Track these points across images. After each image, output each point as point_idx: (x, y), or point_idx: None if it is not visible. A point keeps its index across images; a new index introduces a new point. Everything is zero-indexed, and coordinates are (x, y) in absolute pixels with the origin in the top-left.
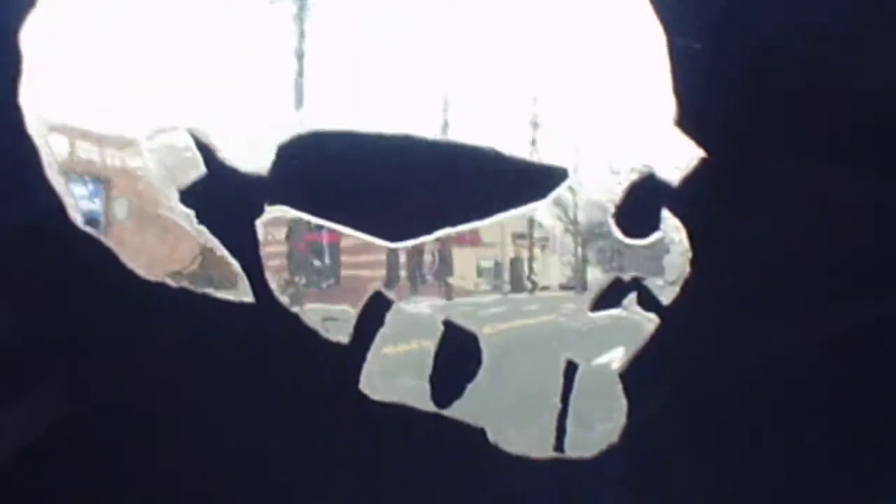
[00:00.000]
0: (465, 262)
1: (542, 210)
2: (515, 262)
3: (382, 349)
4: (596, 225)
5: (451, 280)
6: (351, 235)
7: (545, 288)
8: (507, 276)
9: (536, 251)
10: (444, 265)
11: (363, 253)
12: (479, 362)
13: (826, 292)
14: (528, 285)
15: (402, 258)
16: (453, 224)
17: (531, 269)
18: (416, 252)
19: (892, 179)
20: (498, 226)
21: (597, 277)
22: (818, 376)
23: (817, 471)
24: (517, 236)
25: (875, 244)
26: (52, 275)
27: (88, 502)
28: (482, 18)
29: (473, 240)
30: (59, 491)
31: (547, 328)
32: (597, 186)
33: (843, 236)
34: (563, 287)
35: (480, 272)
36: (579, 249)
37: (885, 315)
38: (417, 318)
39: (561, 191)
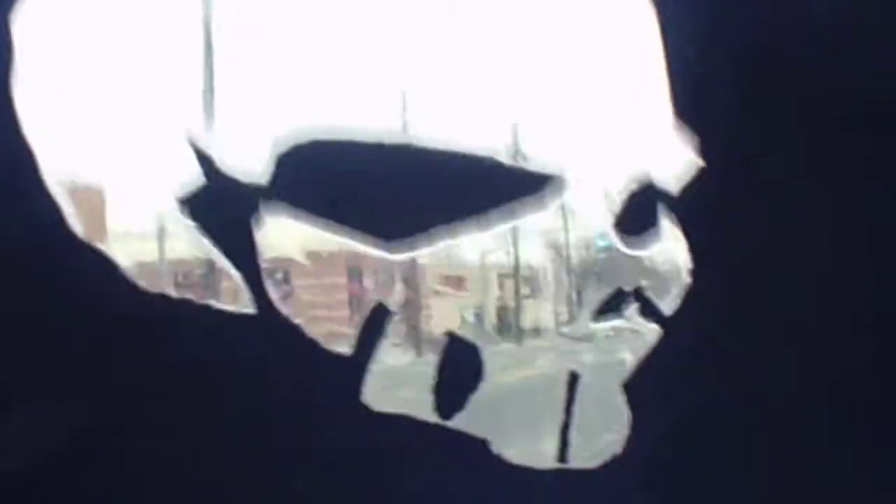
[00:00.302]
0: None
1: (541, 218)
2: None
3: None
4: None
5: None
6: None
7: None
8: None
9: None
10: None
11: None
12: (480, 375)
13: (827, 298)
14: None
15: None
16: (452, 233)
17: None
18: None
19: (892, 183)
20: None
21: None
22: (820, 383)
23: (820, 477)
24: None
25: (875, 248)
26: (51, 284)
27: None
28: (480, 25)
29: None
30: (60, 495)
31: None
32: (596, 197)
33: (844, 242)
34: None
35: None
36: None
37: (886, 318)
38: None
39: (560, 201)
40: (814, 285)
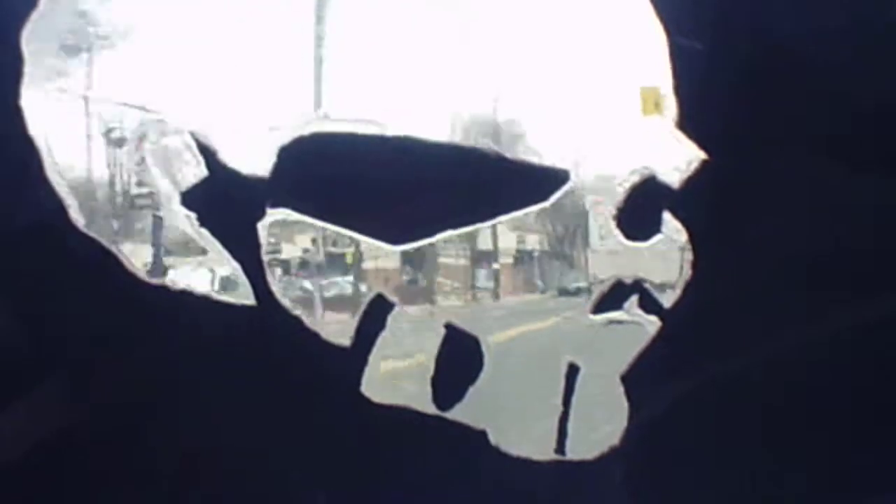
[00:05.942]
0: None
1: (543, 213)
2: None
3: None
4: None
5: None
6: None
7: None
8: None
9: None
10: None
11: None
12: (480, 365)
13: (827, 293)
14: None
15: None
16: (454, 226)
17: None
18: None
19: (893, 179)
20: (500, 230)
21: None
22: (818, 377)
23: (817, 471)
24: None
25: (876, 244)
26: (54, 276)
27: (90, 500)
28: (483, 20)
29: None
30: (62, 488)
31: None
32: (598, 189)
33: (844, 237)
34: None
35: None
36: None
37: (886, 315)
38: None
39: (562, 193)
40: (816, 280)
